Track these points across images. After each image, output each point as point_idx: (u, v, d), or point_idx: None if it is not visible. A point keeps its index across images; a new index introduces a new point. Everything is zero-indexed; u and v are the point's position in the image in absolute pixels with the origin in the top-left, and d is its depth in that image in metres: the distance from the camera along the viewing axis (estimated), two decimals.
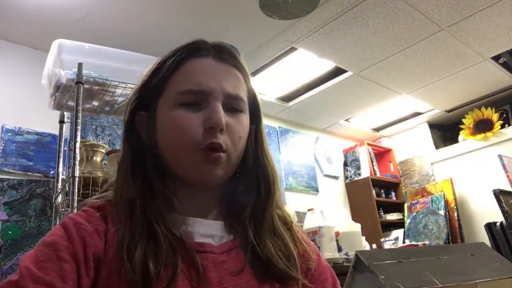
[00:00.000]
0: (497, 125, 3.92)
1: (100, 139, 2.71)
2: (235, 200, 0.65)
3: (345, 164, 4.49)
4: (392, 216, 4.19)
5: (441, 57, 3.22)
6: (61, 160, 2.15)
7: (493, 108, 4.01)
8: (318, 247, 2.11)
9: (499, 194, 2.97)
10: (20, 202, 2.31)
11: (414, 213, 3.94)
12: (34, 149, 2.47)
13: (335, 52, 3.03)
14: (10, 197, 2.29)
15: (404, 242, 3.31)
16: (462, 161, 4.08)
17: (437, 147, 4.37)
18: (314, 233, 2.13)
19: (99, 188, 1.88)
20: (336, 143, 4.53)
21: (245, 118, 0.64)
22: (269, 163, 0.68)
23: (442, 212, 3.73)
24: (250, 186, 0.66)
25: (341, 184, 4.36)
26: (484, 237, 2.90)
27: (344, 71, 3.32)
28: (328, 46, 2.94)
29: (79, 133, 1.73)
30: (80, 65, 1.79)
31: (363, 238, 2.50)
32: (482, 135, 3.97)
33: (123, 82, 1.86)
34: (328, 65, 3.22)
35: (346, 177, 4.42)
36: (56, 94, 1.93)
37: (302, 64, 3.18)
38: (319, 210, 2.27)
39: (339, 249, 2.22)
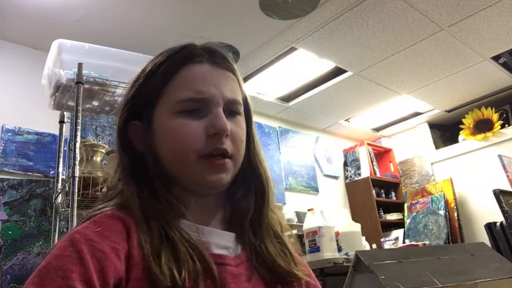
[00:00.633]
0: (497, 125, 3.92)
1: (100, 139, 2.71)
2: (236, 204, 0.65)
3: (345, 164, 4.49)
4: (392, 216, 4.19)
5: (441, 57, 3.22)
6: (61, 160, 2.15)
7: (493, 108, 4.01)
8: (318, 247, 2.11)
9: (499, 194, 2.97)
10: (20, 202, 2.31)
11: (414, 213, 3.94)
12: (34, 149, 2.47)
13: (335, 52, 3.03)
14: (10, 197, 2.29)
15: (404, 242, 3.30)
16: (462, 161, 4.08)
17: (437, 147, 4.37)
18: (314, 233, 2.13)
19: (99, 188, 1.88)
20: (336, 143, 4.53)
21: (243, 121, 0.64)
22: (262, 165, 0.67)
23: (442, 212, 3.73)
24: (246, 189, 0.65)
25: (341, 184, 4.36)
26: (484, 237, 2.90)
27: (344, 71, 3.32)
28: (328, 46, 2.94)
29: (79, 133, 1.73)
30: (80, 65, 1.79)
31: (363, 238, 2.50)
32: (482, 135, 3.97)
33: (123, 82, 1.86)
34: (328, 65, 3.22)
35: (346, 177, 4.42)
36: (56, 94, 1.93)
37: (302, 64, 3.18)
38: (319, 210, 2.27)
39: (339, 249, 2.22)
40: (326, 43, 2.90)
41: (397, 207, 4.23)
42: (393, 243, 2.94)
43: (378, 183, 4.31)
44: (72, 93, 1.85)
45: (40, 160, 2.46)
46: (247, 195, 0.65)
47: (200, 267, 0.53)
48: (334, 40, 2.87)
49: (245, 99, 0.68)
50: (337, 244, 2.21)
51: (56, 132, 2.28)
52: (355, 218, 2.55)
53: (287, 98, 3.74)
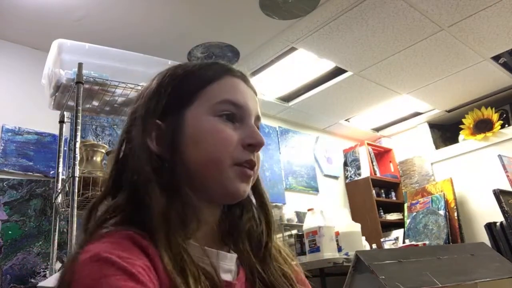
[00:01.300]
0: (497, 125, 3.92)
1: (100, 139, 2.71)
2: (236, 222, 0.64)
3: (345, 164, 4.49)
4: (392, 216, 4.19)
5: (441, 57, 3.22)
6: (61, 160, 2.15)
7: (493, 108, 4.01)
8: (318, 247, 2.11)
9: (499, 194, 2.97)
10: (20, 202, 2.31)
11: (414, 213, 3.94)
12: (34, 149, 2.47)
13: (335, 52, 3.03)
14: (10, 197, 2.29)
15: (404, 242, 3.31)
16: (462, 161, 4.08)
17: (437, 147, 4.37)
18: (314, 233, 2.13)
19: (99, 188, 1.88)
20: (336, 143, 4.53)
21: None
22: (263, 187, 0.68)
23: (442, 212, 3.73)
24: (244, 208, 0.65)
25: (341, 184, 4.36)
26: (484, 237, 2.90)
27: (344, 71, 3.32)
28: (328, 46, 2.94)
29: (79, 133, 1.73)
30: (80, 65, 1.79)
31: (363, 238, 2.50)
32: (482, 135, 3.97)
33: (123, 82, 1.86)
34: (328, 65, 3.23)
35: (346, 177, 4.42)
36: (56, 94, 1.93)
37: (302, 64, 3.18)
38: (319, 210, 2.27)
39: (339, 249, 2.23)
40: (326, 43, 2.90)
41: (397, 207, 4.23)
42: (393, 243, 2.94)
43: (378, 183, 4.31)
44: (72, 93, 1.85)
45: (40, 160, 2.46)
46: (248, 215, 0.65)
47: None
48: (334, 40, 2.87)
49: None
50: (337, 244, 2.21)
51: (56, 132, 2.28)
52: (355, 218, 2.55)
53: (287, 98, 3.74)
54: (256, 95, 0.68)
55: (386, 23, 2.75)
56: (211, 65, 0.65)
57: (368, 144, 4.43)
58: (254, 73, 3.24)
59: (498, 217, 2.90)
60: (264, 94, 3.60)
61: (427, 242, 3.36)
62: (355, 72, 3.32)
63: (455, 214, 3.69)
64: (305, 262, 2.05)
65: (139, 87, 1.79)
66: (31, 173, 2.41)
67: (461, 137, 4.20)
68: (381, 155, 4.67)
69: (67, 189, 1.82)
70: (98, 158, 1.97)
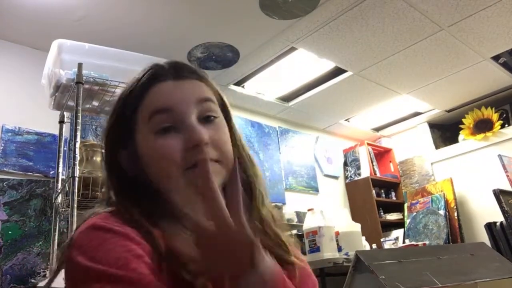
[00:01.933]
0: (497, 125, 3.92)
1: (100, 139, 2.70)
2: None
3: (345, 164, 4.49)
4: (392, 216, 4.19)
5: (441, 57, 3.22)
6: (61, 160, 2.15)
7: (493, 108, 4.01)
8: (318, 247, 2.11)
9: (499, 194, 2.98)
10: (20, 202, 2.31)
11: (414, 213, 3.94)
12: (34, 149, 2.47)
13: (335, 52, 3.03)
14: (10, 197, 2.29)
15: (404, 242, 3.30)
16: (462, 161, 4.08)
17: (437, 147, 4.37)
18: (314, 233, 2.13)
19: (99, 188, 1.88)
20: (336, 143, 4.53)
21: (222, 122, 0.65)
22: (249, 159, 0.68)
23: (442, 212, 3.73)
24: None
25: (341, 184, 4.36)
26: (484, 237, 2.91)
27: (344, 71, 3.32)
28: (328, 46, 2.94)
29: (79, 133, 1.73)
30: (80, 65, 1.79)
31: (363, 238, 2.50)
32: (482, 135, 3.97)
33: (123, 82, 1.85)
34: (328, 65, 3.23)
35: (346, 177, 4.42)
36: (56, 94, 1.93)
37: (302, 64, 3.18)
38: (319, 210, 2.27)
39: (339, 249, 2.23)
40: (326, 43, 2.90)
41: (397, 207, 4.23)
42: (393, 243, 2.94)
43: (378, 183, 4.31)
44: (72, 93, 1.85)
45: (40, 160, 2.46)
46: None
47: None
48: (334, 40, 2.87)
49: (220, 98, 0.69)
50: (337, 244, 2.21)
51: (56, 132, 2.28)
52: (355, 218, 2.55)
53: (287, 98, 3.74)
54: (199, 80, 0.66)
55: (386, 23, 2.75)
56: (137, 82, 0.64)
57: (368, 144, 4.43)
58: (254, 73, 3.25)
59: (498, 217, 2.90)
60: (264, 94, 3.60)
61: (427, 242, 3.36)
62: (355, 72, 3.32)
63: (455, 214, 3.69)
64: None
65: None
66: (31, 173, 2.41)
67: (461, 137, 4.20)
68: (381, 155, 4.68)
69: (67, 189, 1.82)
70: (98, 158, 1.97)
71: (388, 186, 4.43)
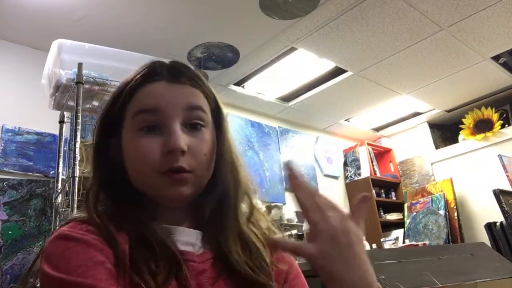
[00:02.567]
0: (497, 125, 3.92)
1: None
2: (202, 211, 0.66)
3: (345, 164, 4.49)
4: (392, 216, 4.19)
5: (441, 57, 3.22)
6: (61, 160, 2.15)
7: (493, 108, 4.01)
8: None
9: (499, 194, 2.98)
10: (20, 202, 2.31)
11: (414, 213, 3.94)
12: (34, 149, 2.47)
13: (335, 52, 3.03)
14: (10, 197, 2.29)
15: (404, 242, 3.30)
16: (462, 161, 4.08)
17: (437, 147, 4.37)
18: None
19: None
20: (336, 143, 4.53)
21: (208, 133, 0.64)
22: (231, 174, 0.66)
23: (442, 212, 3.73)
24: (213, 197, 0.66)
25: (341, 184, 4.36)
26: (484, 237, 2.90)
27: (344, 71, 3.32)
28: (328, 46, 2.94)
29: (79, 133, 1.73)
30: (80, 65, 1.79)
31: (363, 238, 2.49)
32: (482, 135, 3.97)
33: None
34: (328, 65, 3.22)
35: (346, 177, 4.42)
36: (56, 94, 1.93)
37: (302, 64, 3.18)
38: None
39: None
40: (326, 43, 2.90)
41: (397, 207, 4.23)
42: (393, 243, 2.94)
43: (378, 183, 4.31)
44: (72, 93, 1.85)
45: (40, 160, 2.46)
46: (210, 204, 0.66)
47: (173, 266, 0.56)
48: (334, 40, 2.87)
49: (216, 107, 0.67)
50: None
51: (56, 132, 2.28)
52: None
53: (287, 98, 3.74)
54: (194, 85, 0.65)
55: (386, 23, 2.75)
56: (134, 77, 0.65)
57: (368, 144, 4.43)
58: (254, 73, 3.25)
59: (498, 217, 2.90)
60: (264, 94, 3.60)
61: (427, 242, 3.36)
62: (355, 72, 3.32)
63: (455, 214, 3.69)
64: (305, 262, 2.05)
65: None
66: (31, 173, 2.41)
67: (461, 137, 4.20)
68: (381, 155, 4.67)
69: (67, 189, 1.82)
70: None
71: (388, 186, 4.43)
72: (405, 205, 4.09)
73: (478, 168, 3.91)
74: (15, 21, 2.43)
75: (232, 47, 2.87)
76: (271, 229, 0.71)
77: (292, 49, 2.95)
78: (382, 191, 4.34)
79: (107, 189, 0.64)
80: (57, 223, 2.07)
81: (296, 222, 3.38)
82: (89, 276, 0.49)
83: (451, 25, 2.82)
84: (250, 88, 3.47)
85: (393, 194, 4.42)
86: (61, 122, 2.21)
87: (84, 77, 1.79)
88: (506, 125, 3.96)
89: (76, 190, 1.65)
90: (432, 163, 4.32)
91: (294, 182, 0.52)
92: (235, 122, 3.59)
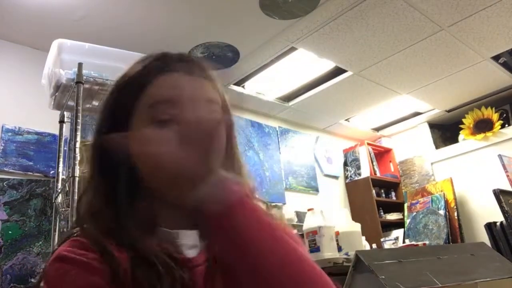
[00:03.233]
0: (497, 125, 3.92)
1: None
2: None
3: (345, 164, 4.49)
4: (392, 216, 4.19)
5: (441, 57, 3.22)
6: (61, 160, 2.15)
7: (493, 108, 4.01)
8: (318, 247, 2.11)
9: (499, 194, 2.98)
10: (20, 202, 2.31)
11: (414, 213, 3.94)
12: (34, 149, 2.47)
13: (335, 52, 3.03)
14: (10, 197, 2.29)
15: (404, 242, 3.30)
16: (462, 161, 4.08)
17: (437, 147, 4.37)
18: (314, 233, 2.13)
19: None
20: (336, 143, 4.53)
21: (221, 128, 0.62)
22: (238, 170, 0.65)
23: (442, 212, 3.73)
24: None
25: (341, 184, 4.36)
26: (484, 237, 2.90)
27: (344, 71, 3.32)
28: (328, 46, 2.94)
29: (79, 133, 1.74)
30: (80, 65, 1.79)
31: (363, 238, 2.49)
32: (482, 135, 3.97)
33: None
34: (328, 65, 3.22)
35: (346, 177, 4.42)
36: (56, 94, 1.93)
37: (302, 64, 3.18)
38: (319, 210, 2.26)
39: (339, 249, 2.22)
40: (326, 43, 2.90)
41: (397, 207, 4.23)
42: (393, 243, 2.94)
43: (378, 183, 4.31)
44: (72, 93, 1.85)
45: (40, 160, 2.46)
46: None
47: (177, 274, 0.54)
48: (334, 40, 2.87)
49: (224, 103, 0.65)
50: (337, 244, 2.21)
51: (56, 132, 2.28)
52: (355, 218, 2.54)
53: (287, 98, 3.74)
54: (207, 79, 0.63)
55: (386, 23, 2.75)
56: (145, 67, 0.62)
57: (368, 144, 4.43)
58: (254, 73, 3.25)
59: (498, 217, 2.90)
60: (264, 94, 3.60)
61: (427, 242, 3.36)
62: (355, 72, 3.32)
63: (455, 214, 3.69)
64: None
65: None
66: (31, 173, 2.41)
67: (461, 137, 4.20)
68: (381, 155, 4.67)
69: (67, 189, 1.82)
70: None
71: (388, 186, 4.43)
72: (405, 205, 4.09)
73: (478, 168, 3.91)
74: (15, 21, 2.43)
75: (232, 47, 2.87)
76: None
77: (292, 49, 2.95)
78: (382, 191, 4.34)
79: (106, 195, 0.60)
80: (57, 223, 2.07)
81: (296, 222, 3.38)
82: None
83: (451, 25, 2.82)
84: (250, 88, 3.48)
85: (393, 194, 4.42)
86: (61, 122, 2.21)
87: (84, 77, 1.79)
88: (506, 125, 3.96)
89: (76, 190, 1.65)
90: (432, 163, 4.32)
91: None
92: (235, 122, 3.59)
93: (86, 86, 1.83)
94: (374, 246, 2.90)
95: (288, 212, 3.49)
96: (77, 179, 1.67)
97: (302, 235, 2.32)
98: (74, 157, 1.69)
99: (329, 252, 2.09)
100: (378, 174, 4.38)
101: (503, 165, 3.55)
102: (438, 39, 2.96)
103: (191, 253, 0.60)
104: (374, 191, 4.14)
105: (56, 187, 2.11)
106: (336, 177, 4.33)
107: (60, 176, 2.11)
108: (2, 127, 2.40)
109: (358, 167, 4.34)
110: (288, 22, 2.67)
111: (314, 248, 2.11)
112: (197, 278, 0.57)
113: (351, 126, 4.44)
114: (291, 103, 3.78)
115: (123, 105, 0.61)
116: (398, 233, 3.91)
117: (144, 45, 2.58)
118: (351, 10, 2.59)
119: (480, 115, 4.06)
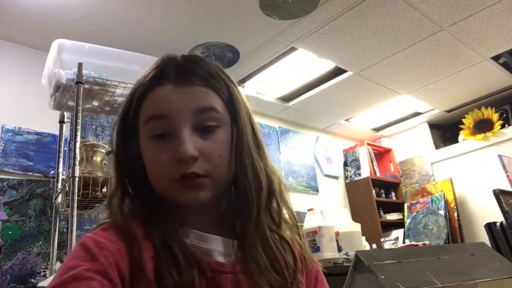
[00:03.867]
0: (497, 125, 3.92)
1: (100, 139, 2.71)
2: (227, 214, 0.64)
3: (345, 164, 4.49)
4: (392, 216, 4.19)
5: (441, 57, 3.22)
6: (61, 160, 2.15)
7: (493, 108, 4.01)
8: (318, 247, 2.11)
9: (499, 194, 2.97)
10: (20, 202, 2.31)
11: (414, 213, 3.94)
12: (34, 149, 2.46)
13: (335, 52, 3.03)
14: (10, 197, 2.29)
15: (404, 242, 3.30)
16: (462, 161, 4.08)
17: (437, 147, 4.37)
18: (314, 233, 2.13)
19: (99, 188, 1.88)
20: (336, 143, 4.53)
21: (222, 133, 0.61)
22: (252, 171, 0.63)
23: (442, 212, 3.73)
24: (238, 198, 0.63)
25: (341, 184, 4.36)
26: (484, 237, 2.90)
27: (344, 71, 3.32)
28: (328, 46, 2.94)
29: (79, 133, 1.73)
30: (80, 65, 1.79)
31: (363, 238, 2.50)
32: (482, 135, 3.97)
33: (123, 82, 1.86)
34: (328, 65, 3.22)
35: (346, 177, 4.42)
36: (56, 94, 1.93)
37: (302, 64, 3.18)
38: (319, 210, 2.26)
39: (339, 249, 2.22)
40: (326, 43, 2.90)
41: (397, 207, 4.23)
42: (393, 243, 2.94)
43: (378, 183, 4.31)
44: (72, 93, 1.85)
45: (40, 160, 2.46)
46: (234, 204, 0.64)
47: (196, 273, 0.54)
48: (334, 40, 2.87)
49: (231, 102, 0.64)
50: (337, 244, 2.21)
51: (56, 132, 2.28)
52: (355, 218, 2.55)
53: (287, 98, 3.74)
54: (204, 85, 0.62)
55: (386, 23, 2.75)
56: (142, 82, 0.64)
57: (368, 144, 4.43)
58: (254, 73, 3.25)
59: (498, 217, 2.90)
60: (264, 94, 3.60)
61: (427, 242, 3.36)
62: (355, 72, 3.32)
63: (455, 214, 3.69)
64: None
65: None
66: (31, 173, 2.41)
67: (461, 137, 4.20)
68: (381, 155, 4.67)
69: (67, 189, 1.82)
70: (98, 158, 1.97)
71: (388, 186, 4.43)
72: (405, 205, 4.09)
73: (478, 168, 3.91)
74: (15, 21, 2.43)
75: (232, 47, 2.87)
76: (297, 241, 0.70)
77: (292, 49, 2.95)
78: (382, 191, 4.34)
79: (131, 193, 0.63)
80: (57, 223, 2.07)
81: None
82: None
83: (451, 25, 2.82)
84: (250, 88, 3.47)
85: (393, 194, 4.42)
86: (61, 122, 2.21)
87: (84, 77, 1.79)
88: (506, 125, 3.96)
89: (76, 190, 1.65)
90: (432, 163, 4.32)
91: None
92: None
93: (86, 86, 1.83)
94: (374, 246, 2.90)
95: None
96: (77, 179, 1.67)
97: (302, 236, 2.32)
98: (74, 157, 1.69)
99: (329, 252, 2.09)
100: (378, 174, 4.38)
101: (503, 165, 3.55)
102: (438, 39, 2.96)
103: (221, 259, 0.60)
104: (374, 191, 4.14)
105: (56, 187, 2.11)
106: (336, 177, 4.33)
107: (60, 176, 2.11)
108: (2, 127, 2.40)
109: (358, 167, 4.34)
110: (288, 22, 2.67)
111: (314, 248, 2.11)
112: (225, 284, 0.57)
113: (351, 126, 4.44)
114: (291, 103, 3.78)
115: (130, 118, 0.64)
116: (398, 233, 3.91)
117: (144, 45, 2.58)
118: (351, 10, 2.59)
119: (480, 115, 4.06)
